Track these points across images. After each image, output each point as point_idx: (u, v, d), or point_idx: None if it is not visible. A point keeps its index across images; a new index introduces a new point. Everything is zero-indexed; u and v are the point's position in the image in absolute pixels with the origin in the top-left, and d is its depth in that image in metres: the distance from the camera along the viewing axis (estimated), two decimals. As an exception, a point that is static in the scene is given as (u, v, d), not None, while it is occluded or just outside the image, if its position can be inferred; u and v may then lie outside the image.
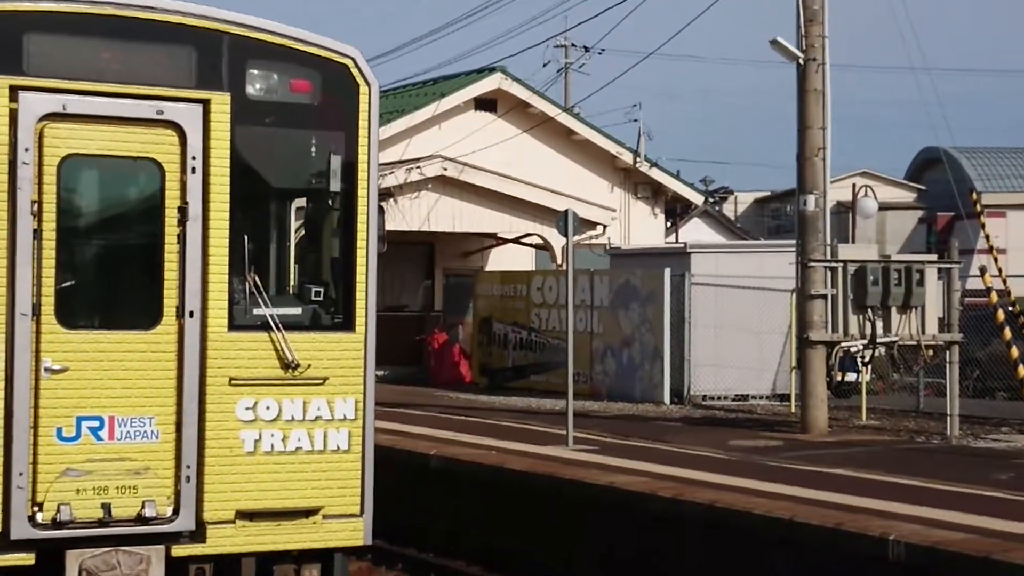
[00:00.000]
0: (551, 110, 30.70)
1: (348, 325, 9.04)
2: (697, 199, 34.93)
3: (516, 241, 29.13)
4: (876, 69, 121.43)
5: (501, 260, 29.63)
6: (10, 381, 8.18)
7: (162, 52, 8.67)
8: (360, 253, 9.05)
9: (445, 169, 26.69)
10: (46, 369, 8.26)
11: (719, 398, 22.40)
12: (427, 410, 20.50)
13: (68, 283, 8.47)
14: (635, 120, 34.37)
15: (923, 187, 50.32)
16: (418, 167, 26.50)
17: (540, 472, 13.75)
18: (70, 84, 8.34)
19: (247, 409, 8.72)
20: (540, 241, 28.27)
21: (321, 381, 8.89)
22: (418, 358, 27.67)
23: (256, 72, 8.82)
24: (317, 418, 8.90)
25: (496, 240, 29.42)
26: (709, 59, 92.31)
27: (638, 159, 31.44)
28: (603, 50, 47.12)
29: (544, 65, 41.62)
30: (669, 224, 34.91)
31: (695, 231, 42.52)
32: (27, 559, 8.21)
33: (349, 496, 8.99)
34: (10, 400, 8.17)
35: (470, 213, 27.27)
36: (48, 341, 8.28)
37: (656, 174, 32.00)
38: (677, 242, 32.20)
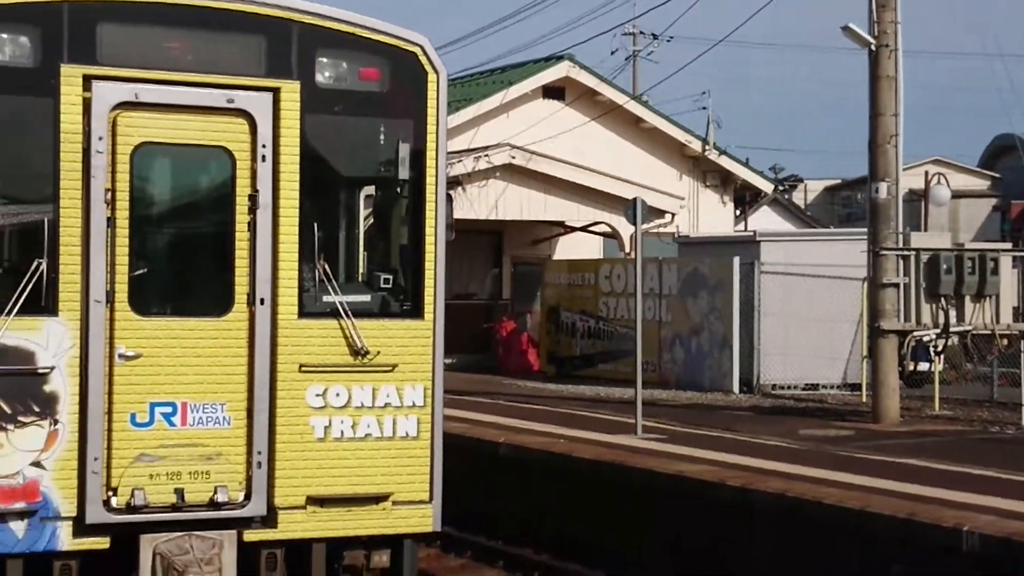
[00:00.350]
0: (619, 98, 30.59)
1: (417, 312, 9.06)
2: (767, 187, 34.68)
3: (584, 229, 29.07)
4: (949, 55, 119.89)
5: (569, 248, 29.58)
6: (85, 367, 8.28)
7: (232, 41, 8.72)
8: (429, 241, 9.07)
9: (513, 157, 26.68)
10: (120, 355, 8.36)
11: (789, 387, 22.23)
12: (495, 398, 20.52)
13: (141, 270, 8.56)
14: (704, 108, 34.24)
15: (997, 175, 49.68)
16: (486, 155, 26.51)
17: (609, 461, 13.72)
18: (142, 73, 8.41)
19: (317, 396, 8.77)
20: (608, 229, 28.19)
21: (390, 368, 8.92)
22: (486, 346, 27.71)
23: (325, 60, 8.85)
24: (386, 405, 8.93)
25: (564, 228, 29.37)
26: (778, 46, 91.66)
27: (707, 147, 31.26)
28: (671, 37, 46.95)
29: (612, 53, 41.44)
30: (738, 212, 34.69)
31: (764, 219, 42.09)
32: (102, 543, 8.31)
33: (418, 483, 9.01)
34: (85, 386, 8.28)
35: (538, 201, 27.23)
36: (122, 328, 8.38)
37: (725, 162, 31.81)
38: (746, 230, 31.98)
